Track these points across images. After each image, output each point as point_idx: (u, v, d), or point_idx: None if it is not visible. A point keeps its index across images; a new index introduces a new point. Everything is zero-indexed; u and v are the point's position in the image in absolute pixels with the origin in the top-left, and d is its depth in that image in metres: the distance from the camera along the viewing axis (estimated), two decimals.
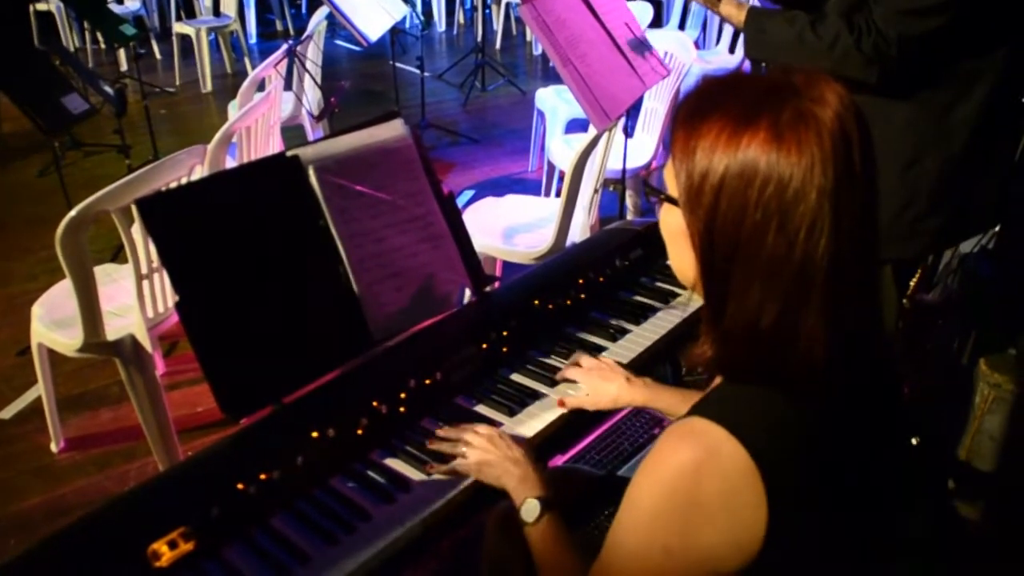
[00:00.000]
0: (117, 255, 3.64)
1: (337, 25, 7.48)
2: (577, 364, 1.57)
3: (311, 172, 1.52)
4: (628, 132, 3.07)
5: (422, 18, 6.68)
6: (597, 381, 1.51)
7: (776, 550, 0.86)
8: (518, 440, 1.35)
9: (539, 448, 1.45)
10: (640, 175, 3.90)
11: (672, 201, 0.93)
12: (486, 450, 1.31)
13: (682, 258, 0.96)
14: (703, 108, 0.88)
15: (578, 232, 2.89)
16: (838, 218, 0.83)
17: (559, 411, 1.50)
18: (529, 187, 4.65)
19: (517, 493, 1.25)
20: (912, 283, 2.22)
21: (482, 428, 1.37)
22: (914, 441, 2.29)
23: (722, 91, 0.89)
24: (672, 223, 0.95)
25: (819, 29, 1.83)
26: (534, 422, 1.48)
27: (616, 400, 1.49)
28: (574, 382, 1.55)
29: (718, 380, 1.00)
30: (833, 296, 0.85)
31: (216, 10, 7.30)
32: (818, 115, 0.83)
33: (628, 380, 1.50)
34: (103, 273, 2.67)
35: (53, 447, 2.73)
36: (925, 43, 1.75)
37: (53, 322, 2.46)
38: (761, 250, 0.85)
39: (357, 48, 8.10)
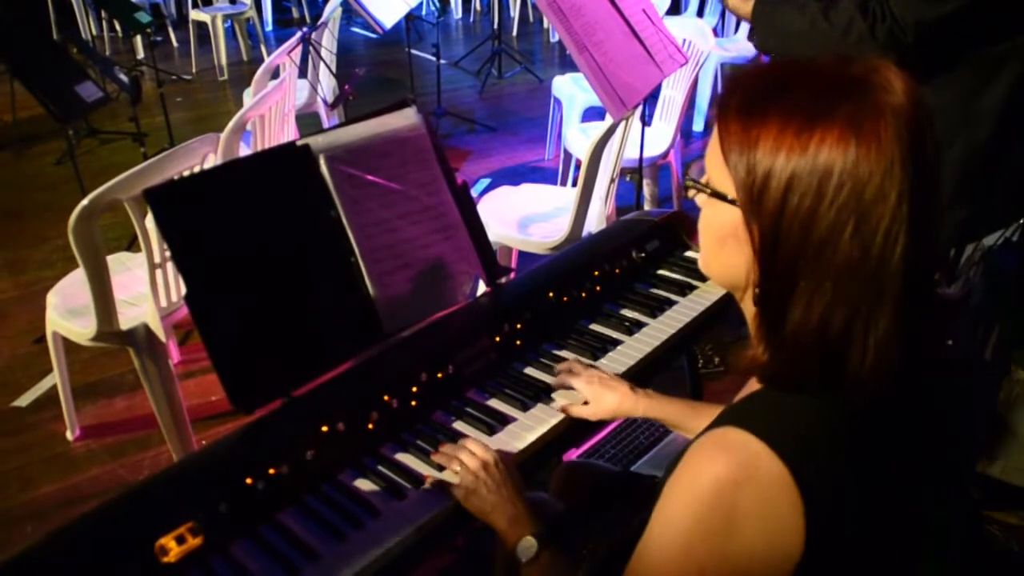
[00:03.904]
0: (132, 244, 3.64)
1: (353, 12, 7.45)
2: (571, 371, 1.50)
3: (322, 161, 1.50)
4: (646, 121, 3.04)
5: (438, 5, 6.65)
6: (599, 390, 1.44)
7: (813, 564, 0.82)
8: (511, 468, 1.29)
9: (553, 443, 1.43)
10: (658, 163, 3.87)
11: (726, 199, 0.87)
12: (476, 478, 1.25)
13: (728, 260, 0.90)
14: (763, 99, 0.83)
15: (594, 222, 2.86)
16: (914, 220, 0.78)
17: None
18: (546, 176, 4.62)
19: (508, 534, 1.19)
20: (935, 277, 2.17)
21: (479, 450, 1.30)
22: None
23: (780, 81, 0.84)
24: (719, 222, 0.89)
25: (831, 17, 1.78)
26: (547, 417, 1.45)
27: (617, 411, 1.42)
28: (571, 388, 1.49)
29: (751, 386, 0.95)
30: (907, 300, 0.81)
31: None
32: (895, 108, 0.78)
33: (631, 390, 1.44)
34: (117, 262, 2.67)
35: (68, 435, 2.74)
36: (943, 28, 1.69)
37: (67, 311, 2.46)
38: (834, 254, 0.79)
39: (373, 35, 8.08)
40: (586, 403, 1.46)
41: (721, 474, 0.82)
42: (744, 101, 0.84)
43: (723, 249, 0.90)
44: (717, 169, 0.87)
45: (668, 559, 0.86)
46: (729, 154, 0.84)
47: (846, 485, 0.85)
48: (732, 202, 0.85)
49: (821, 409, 0.86)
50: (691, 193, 0.94)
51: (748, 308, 0.92)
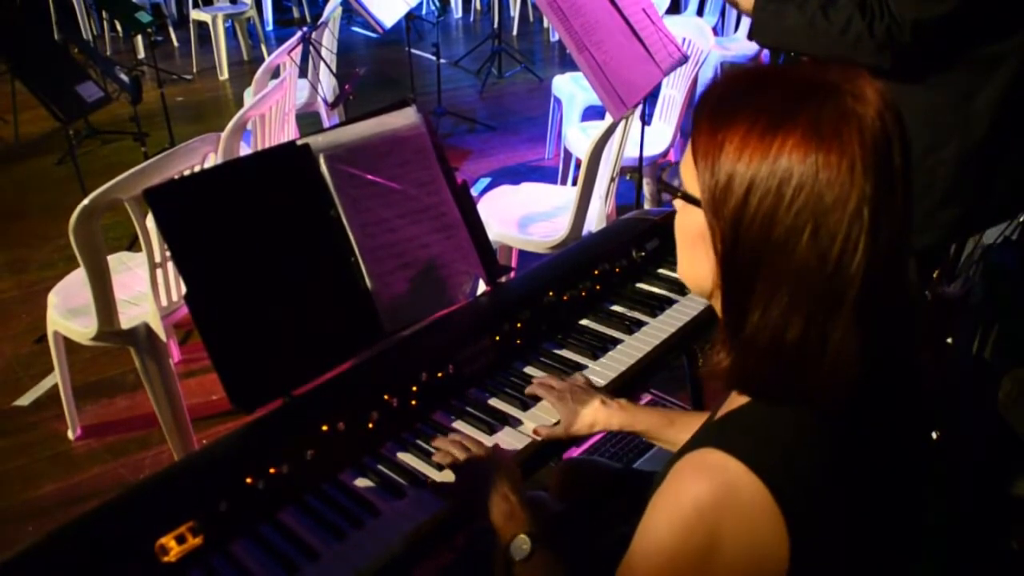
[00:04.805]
0: (133, 243, 3.64)
1: (353, 12, 7.45)
2: (548, 385, 1.47)
3: (322, 161, 1.50)
4: (646, 120, 3.04)
5: (438, 4, 6.64)
6: (571, 406, 1.42)
7: None
8: (507, 463, 1.28)
9: (554, 442, 1.43)
10: (657, 162, 3.87)
11: (692, 200, 0.87)
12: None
13: (697, 263, 0.90)
14: (731, 102, 0.83)
15: (594, 221, 2.86)
16: (876, 227, 0.78)
17: None
18: (546, 175, 4.62)
19: (504, 530, 1.17)
20: (934, 275, 2.17)
21: (475, 447, 1.30)
22: (934, 436, 2.25)
23: (752, 85, 0.83)
24: (689, 224, 0.89)
25: (831, 14, 1.78)
26: (548, 417, 1.45)
27: (592, 426, 1.40)
28: (541, 400, 1.48)
29: (732, 402, 0.95)
30: (866, 309, 0.80)
31: None
32: (860, 114, 0.78)
33: (603, 403, 1.41)
34: (118, 261, 2.67)
35: (70, 434, 2.74)
36: (941, 27, 1.69)
37: (68, 311, 2.47)
38: (791, 258, 0.79)
39: (373, 35, 8.08)
40: (558, 423, 1.43)
41: (702, 496, 0.82)
42: (715, 105, 0.84)
43: (694, 252, 0.90)
44: (688, 172, 0.87)
45: None
46: (697, 156, 0.84)
47: (829, 499, 0.85)
48: (699, 204, 0.86)
49: (799, 424, 0.86)
50: (666, 196, 0.94)
51: (719, 312, 0.92)
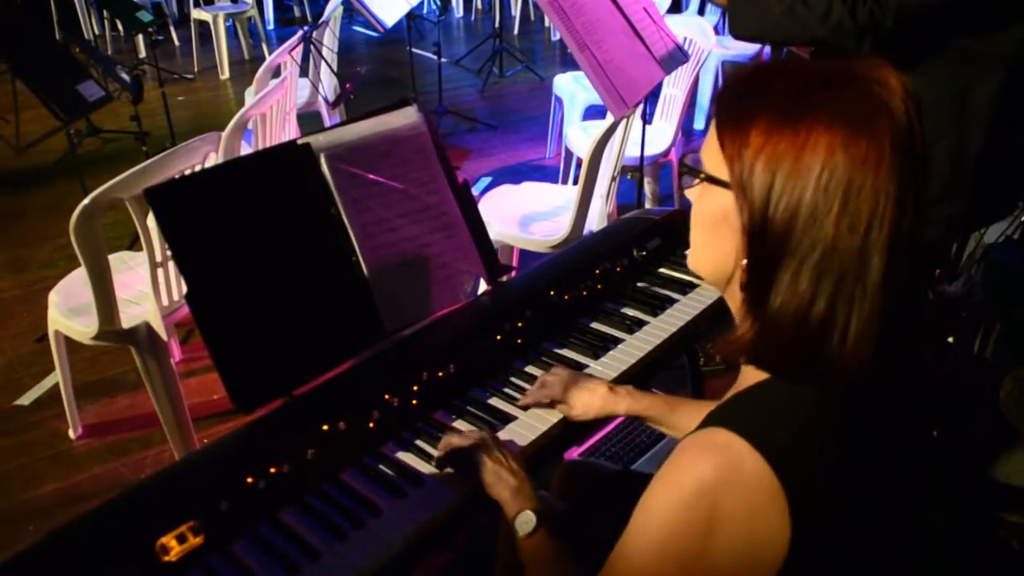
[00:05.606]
0: (134, 243, 3.64)
1: (354, 11, 7.45)
2: (543, 385, 1.47)
3: (323, 160, 1.50)
4: (647, 119, 3.04)
5: (439, 3, 6.65)
6: (577, 393, 1.43)
7: (801, 562, 0.82)
8: (511, 448, 1.29)
9: (554, 441, 1.44)
10: (658, 161, 3.87)
11: (719, 182, 0.88)
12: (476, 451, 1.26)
13: (718, 246, 0.91)
14: (759, 87, 0.85)
15: (595, 220, 2.86)
16: (900, 211, 0.80)
17: None
18: (547, 174, 4.62)
19: (511, 505, 1.19)
20: (936, 274, 2.17)
21: (470, 430, 1.31)
22: (935, 434, 2.25)
23: (777, 73, 0.86)
24: (712, 208, 0.90)
25: (810, 0, 1.76)
26: (549, 416, 1.45)
27: (600, 410, 1.41)
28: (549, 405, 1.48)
29: (740, 384, 0.95)
30: (889, 291, 0.82)
31: None
32: (887, 101, 0.81)
33: (611, 389, 1.43)
34: (119, 261, 2.67)
35: (71, 434, 2.74)
36: (925, 15, 1.68)
37: (69, 310, 2.47)
38: (819, 234, 0.81)
39: (374, 34, 8.07)
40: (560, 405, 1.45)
41: (705, 474, 0.82)
42: (742, 89, 0.86)
43: (716, 235, 0.91)
44: (713, 155, 0.88)
45: (649, 556, 0.86)
46: (723, 139, 0.86)
47: (833, 484, 0.85)
48: (726, 185, 0.87)
49: (807, 407, 0.86)
50: (685, 181, 0.95)
51: (734, 297, 0.93)
